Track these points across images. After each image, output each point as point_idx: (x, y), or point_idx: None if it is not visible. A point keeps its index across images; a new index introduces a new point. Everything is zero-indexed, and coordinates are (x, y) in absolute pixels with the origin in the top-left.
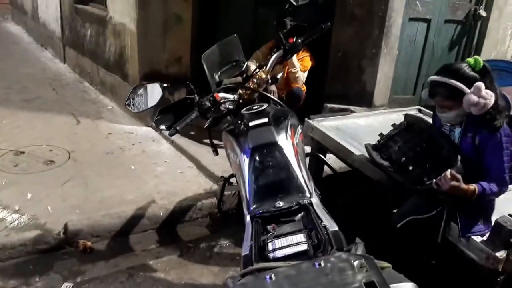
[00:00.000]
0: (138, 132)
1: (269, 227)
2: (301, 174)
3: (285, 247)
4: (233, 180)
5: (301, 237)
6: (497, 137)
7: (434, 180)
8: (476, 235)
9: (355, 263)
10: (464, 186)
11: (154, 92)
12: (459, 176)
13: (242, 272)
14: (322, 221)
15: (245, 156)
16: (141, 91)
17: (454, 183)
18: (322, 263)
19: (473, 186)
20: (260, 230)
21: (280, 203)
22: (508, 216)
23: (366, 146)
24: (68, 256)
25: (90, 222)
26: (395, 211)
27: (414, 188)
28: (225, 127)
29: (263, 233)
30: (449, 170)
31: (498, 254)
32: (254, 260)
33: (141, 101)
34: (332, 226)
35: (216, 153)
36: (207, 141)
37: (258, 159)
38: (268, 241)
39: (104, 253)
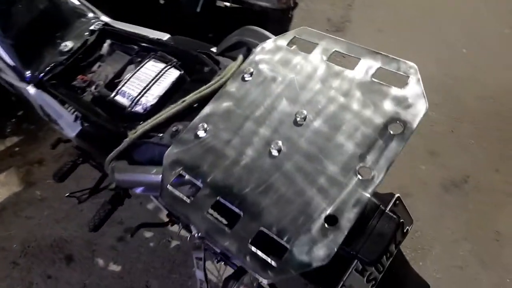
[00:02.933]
0: None
1: (77, 82)
2: None
3: (147, 88)
4: None
5: (154, 64)
6: None
7: None
8: None
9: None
10: None
11: None
12: None
13: (116, 151)
14: (148, 35)
15: None
16: None
17: None
18: (253, 69)
19: None
20: (68, 92)
21: (68, 44)
22: None
23: None
24: None
25: None
26: None
27: None
28: None
29: (76, 96)
30: None
31: None
32: (120, 132)
33: None
34: (164, 36)
35: None
36: None
37: None
38: (111, 96)
39: None
